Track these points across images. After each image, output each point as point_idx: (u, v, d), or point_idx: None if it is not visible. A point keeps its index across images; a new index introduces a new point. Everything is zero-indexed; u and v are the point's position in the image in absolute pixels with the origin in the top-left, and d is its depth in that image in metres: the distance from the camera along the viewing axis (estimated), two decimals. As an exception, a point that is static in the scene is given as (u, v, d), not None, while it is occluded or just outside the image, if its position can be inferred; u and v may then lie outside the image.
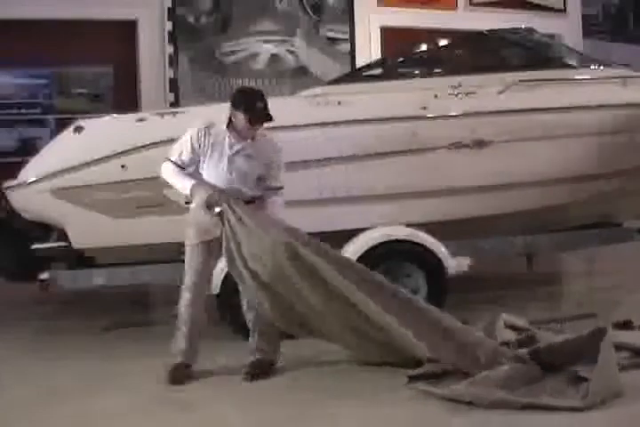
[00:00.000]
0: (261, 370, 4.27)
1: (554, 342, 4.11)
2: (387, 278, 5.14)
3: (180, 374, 4.21)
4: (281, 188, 4.36)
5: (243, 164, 4.22)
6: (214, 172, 4.22)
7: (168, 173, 4.27)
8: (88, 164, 4.90)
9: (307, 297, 4.14)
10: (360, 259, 5.05)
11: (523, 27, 6.18)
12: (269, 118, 4.19)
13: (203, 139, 4.19)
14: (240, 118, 4.16)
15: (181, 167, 4.24)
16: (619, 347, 4.14)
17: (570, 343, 4.02)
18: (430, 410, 3.71)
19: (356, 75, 6.39)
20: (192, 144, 4.19)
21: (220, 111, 5.42)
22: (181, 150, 4.23)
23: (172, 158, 4.24)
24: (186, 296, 4.26)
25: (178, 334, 4.28)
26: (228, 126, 4.23)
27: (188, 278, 4.26)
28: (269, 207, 4.32)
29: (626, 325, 4.76)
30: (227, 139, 4.21)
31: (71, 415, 3.81)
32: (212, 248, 4.24)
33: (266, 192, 4.34)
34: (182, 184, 4.23)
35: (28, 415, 3.82)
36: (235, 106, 4.19)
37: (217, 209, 4.13)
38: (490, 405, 3.66)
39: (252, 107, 4.15)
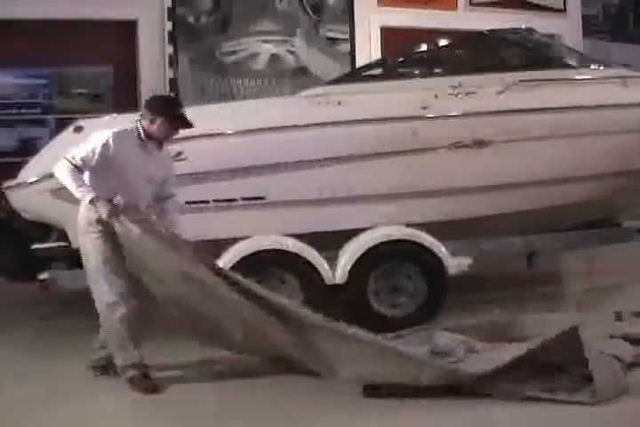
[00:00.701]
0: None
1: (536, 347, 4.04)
2: (386, 279, 5.19)
3: (151, 382, 4.11)
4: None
5: (159, 169, 4.24)
6: (130, 177, 4.10)
7: (65, 173, 4.06)
8: (88, 164, 4.91)
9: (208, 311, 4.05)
10: (360, 259, 5.06)
11: (523, 27, 6.18)
12: (190, 124, 4.19)
13: (117, 146, 4.05)
14: (161, 124, 4.13)
15: (80, 170, 4.06)
16: (635, 340, 4.19)
17: (547, 344, 3.97)
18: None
19: (356, 75, 6.39)
20: (104, 150, 4.03)
21: (219, 111, 5.43)
22: (88, 154, 4.04)
23: (73, 160, 4.04)
24: (120, 311, 4.06)
25: (124, 350, 4.10)
26: (143, 133, 4.16)
27: (114, 288, 4.06)
28: (171, 207, 4.34)
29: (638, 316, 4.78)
30: (144, 145, 4.17)
31: (71, 415, 3.81)
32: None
33: (165, 194, 4.33)
34: (80, 192, 4.04)
35: (28, 415, 3.82)
36: (155, 112, 4.14)
37: (117, 225, 3.99)
38: (498, 396, 3.69)
39: (175, 113, 4.16)
